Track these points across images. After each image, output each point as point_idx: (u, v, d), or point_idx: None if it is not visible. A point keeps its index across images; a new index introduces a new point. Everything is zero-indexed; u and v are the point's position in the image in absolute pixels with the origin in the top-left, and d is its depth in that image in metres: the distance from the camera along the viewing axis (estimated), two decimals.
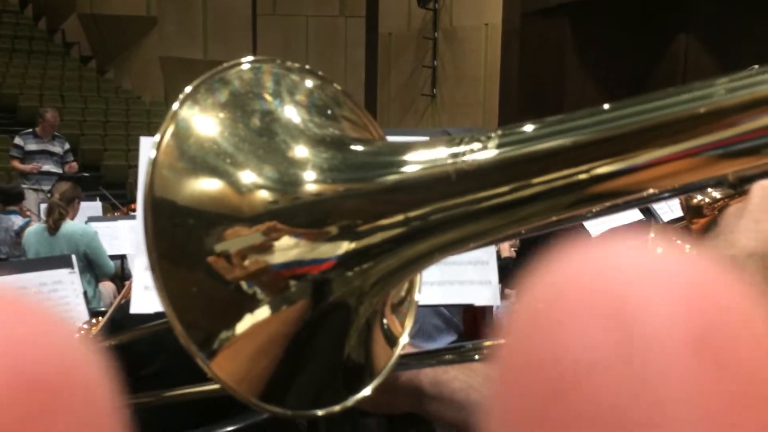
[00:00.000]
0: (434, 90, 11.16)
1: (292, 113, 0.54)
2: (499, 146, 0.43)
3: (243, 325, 0.49)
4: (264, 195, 0.49)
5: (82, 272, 2.88)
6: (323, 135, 0.53)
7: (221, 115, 0.51)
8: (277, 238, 0.49)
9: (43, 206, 5.10)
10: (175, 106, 0.50)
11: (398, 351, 0.61)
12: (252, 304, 0.49)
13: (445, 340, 2.29)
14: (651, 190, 0.42)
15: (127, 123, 13.02)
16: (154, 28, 13.85)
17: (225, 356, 0.48)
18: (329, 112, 0.56)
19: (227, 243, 0.48)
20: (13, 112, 12.37)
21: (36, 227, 4.55)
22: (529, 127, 0.43)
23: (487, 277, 1.35)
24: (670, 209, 3.61)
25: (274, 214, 0.49)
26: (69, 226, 4.39)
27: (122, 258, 4.65)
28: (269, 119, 0.53)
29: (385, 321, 0.61)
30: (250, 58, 0.55)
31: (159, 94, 13.97)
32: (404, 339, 0.62)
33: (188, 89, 0.51)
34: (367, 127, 0.59)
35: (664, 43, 9.46)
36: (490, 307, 2.76)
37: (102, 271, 4.48)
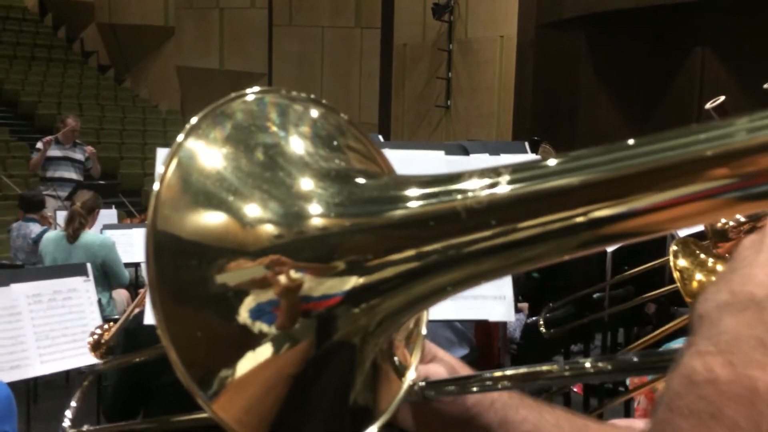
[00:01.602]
0: (448, 101, 11.17)
1: (297, 146, 0.54)
2: (510, 183, 0.42)
3: (246, 365, 0.48)
4: (269, 229, 0.49)
5: (97, 282, 2.90)
6: (329, 168, 0.53)
7: (225, 148, 0.51)
8: (281, 273, 0.48)
9: (60, 213, 5.15)
10: (179, 138, 0.49)
11: (405, 386, 0.60)
12: (255, 343, 0.48)
13: (457, 354, 2.28)
14: (666, 230, 0.41)
15: (143, 131, 13.13)
16: (171, 38, 13.99)
17: (227, 397, 0.47)
18: (334, 142, 0.56)
19: (231, 278, 0.48)
20: (31, 120, 12.51)
21: (54, 234, 4.59)
22: (541, 164, 0.43)
23: (501, 292, 1.34)
24: None
25: (279, 249, 0.48)
26: (88, 236, 4.42)
27: (137, 266, 4.68)
28: (274, 152, 0.53)
29: (394, 356, 0.60)
30: (256, 89, 0.55)
31: (175, 103, 14.09)
32: (411, 374, 0.62)
33: (192, 122, 0.50)
34: (374, 157, 0.58)
35: (680, 57, 9.41)
36: (504, 324, 2.75)
37: (117, 281, 4.51)
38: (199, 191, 0.49)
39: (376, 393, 0.57)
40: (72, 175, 7.14)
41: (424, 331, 0.67)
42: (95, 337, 2.24)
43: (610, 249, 3.24)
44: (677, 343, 2.39)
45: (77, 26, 15.40)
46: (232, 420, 0.47)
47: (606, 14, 9.04)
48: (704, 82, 9.13)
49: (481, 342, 2.37)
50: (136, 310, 2.19)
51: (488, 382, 0.69)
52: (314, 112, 0.57)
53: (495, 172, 0.44)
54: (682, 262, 1.53)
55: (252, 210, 0.49)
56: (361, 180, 0.53)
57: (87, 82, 14.21)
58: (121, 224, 5.69)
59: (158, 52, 14.29)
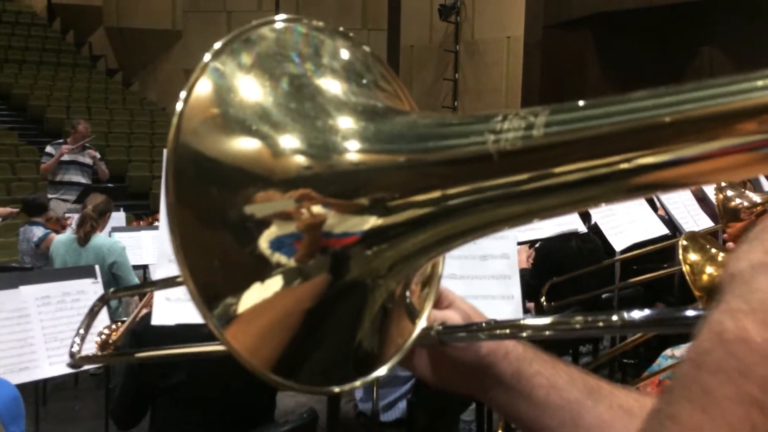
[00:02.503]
0: (455, 102, 11.16)
1: (325, 78, 0.52)
2: (545, 125, 0.41)
3: (260, 296, 0.47)
4: (299, 159, 0.47)
5: (107, 285, 2.91)
6: (358, 103, 0.51)
7: (254, 73, 0.49)
8: (307, 206, 0.47)
9: (76, 216, 5.16)
10: (207, 57, 0.47)
11: (418, 329, 0.59)
12: (271, 274, 0.47)
13: None
14: (704, 182, 0.39)
15: (151, 134, 13.18)
16: (178, 41, 14.04)
17: (239, 326, 0.46)
18: (361, 76, 0.54)
19: (255, 206, 0.46)
20: (40, 124, 12.58)
21: (65, 237, 4.60)
22: (578, 107, 0.41)
23: (509, 291, 1.33)
24: (694, 221, 3.56)
25: (307, 181, 0.47)
26: (99, 239, 4.44)
27: (145, 268, 4.69)
28: (306, 84, 0.51)
29: (408, 299, 0.59)
30: (283, 16, 0.53)
31: None
32: (424, 318, 0.60)
33: (218, 45, 0.48)
34: (398, 93, 0.57)
35: (688, 57, 9.37)
36: None
37: (125, 285, 4.53)
38: (228, 112, 0.47)
39: (388, 334, 0.56)
40: (80, 178, 7.16)
41: (440, 275, 0.65)
42: (103, 337, 2.25)
43: (619, 248, 3.22)
44: (678, 349, 2.37)
45: (85, 30, 15.48)
46: (242, 348, 0.46)
47: (613, 14, 9.02)
48: None
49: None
50: (143, 311, 2.20)
51: (504, 330, 0.66)
52: (342, 45, 0.55)
53: (532, 113, 0.42)
54: (693, 256, 1.50)
55: (282, 138, 0.47)
56: (391, 116, 0.51)
57: (95, 86, 14.28)
58: (129, 227, 5.71)
59: (166, 56, 14.35)
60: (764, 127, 0.35)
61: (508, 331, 0.63)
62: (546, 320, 0.60)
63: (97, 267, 2.56)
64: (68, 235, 4.64)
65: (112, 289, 1.22)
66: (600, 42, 9.62)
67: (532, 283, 3.36)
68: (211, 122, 0.46)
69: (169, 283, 1.02)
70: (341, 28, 0.56)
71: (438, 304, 0.69)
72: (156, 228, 5.27)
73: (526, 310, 3.47)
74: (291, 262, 0.47)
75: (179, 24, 14.08)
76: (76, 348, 1.03)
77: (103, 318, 2.53)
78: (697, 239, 1.44)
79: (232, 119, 0.47)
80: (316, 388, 0.51)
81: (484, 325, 0.66)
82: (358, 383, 0.54)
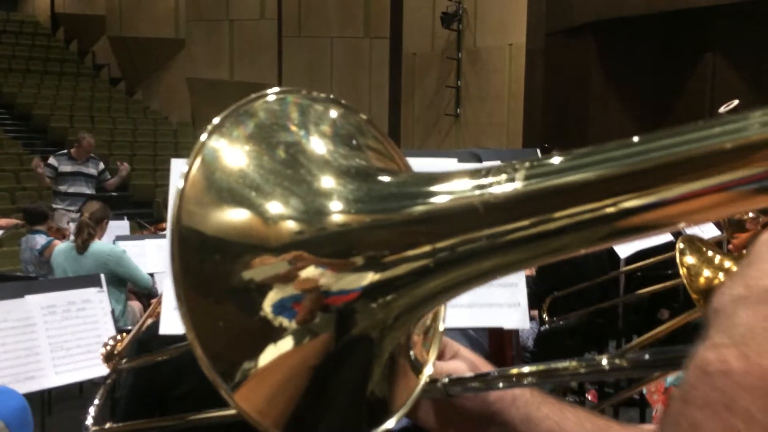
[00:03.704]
0: (458, 110, 11.18)
1: (317, 144, 0.55)
2: (526, 178, 0.43)
3: (267, 357, 0.49)
4: (290, 225, 0.50)
5: (109, 293, 2.92)
6: (349, 166, 0.54)
7: (248, 146, 0.52)
8: (303, 268, 0.49)
9: (73, 226, 5.18)
10: (203, 137, 0.50)
11: (422, 382, 0.60)
12: (277, 336, 0.49)
13: None
14: (682, 224, 0.41)
15: (154, 143, 13.22)
16: (181, 50, 14.11)
17: (249, 388, 0.48)
18: (354, 141, 0.57)
19: (253, 273, 0.49)
20: (44, 133, 12.63)
21: (65, 246, 4.62)
22: (556, 160, 0.43)
23: (515, 299, 1.33)
24: (699, 228, 3.56)
25: (300, 245, 0.49)
26: (97, 245, 4.45)
27: (150, 276, 4.70)
28: (295, 150, 0.54)
29: (411, 352, 0.60)
30: (276, 89, 0.56)
31: (186, 115, 14.19)
32: (429, 369, 0.62)
33: (215, 121, 0.51)
34: (392, 156, 0.59)
35: (691, 63, 9.37)
36: (517, 332, 2.73)
37: (138, 285, 4.53)
38: (222, 188, 0.50)
39: (394, 388, 0.58)
40: (84, 189, 7.18)
41: (441, 327, 0.67)
42: (108, 348, 2.24)
43: (623, 255, 3.22)
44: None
45: (89, 40, 15.56)
46: (253, 410, 0.48)
47: (616, 21, 9.03)
48: (715, 89, 9.08)
49: (494, 350, 2.36)
50: (149, 321, 2.20)
51: (511, 379, 0.68)
52: (334, 112, 0.58)
53: (511, 167, 0.44)
54: (689, 259, 1.50)
55: (273, 206, 0.50)
56: (380, 177, 0.54)
57: (98, 95, 14.34)
58: (133, 235, 5.72)
59: (169, 65, 14.41)
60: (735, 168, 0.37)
61: (514, 380, 0.66)
62: (551, 367, 0.64)
63: (102, 276, 2.57)
64: (67, 243, 4.66)
65: (124, 360, 1.25)
66: (602, 49, 9.63)
67: (536, 291, 3.36)
68: (208, 197, 0.49)
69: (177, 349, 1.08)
70: (333, 96, 0.59)
71: (442, 356, 0.71)
72: (161, 237, 5.28)
73: (531, 318, 3.48)
74: (293, 324, 0.49)
75: (182, 32, 14.14)
76: (90, 421, 1.07)
77: (109, 327, 2.54)
78: (693, 242, 1.44)
79: (228, 192, 0.50)
80: None
81: (491, 375, 0.69)
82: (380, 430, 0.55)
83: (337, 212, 0.50)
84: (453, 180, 0.48)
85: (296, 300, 0.49)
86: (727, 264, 1.31)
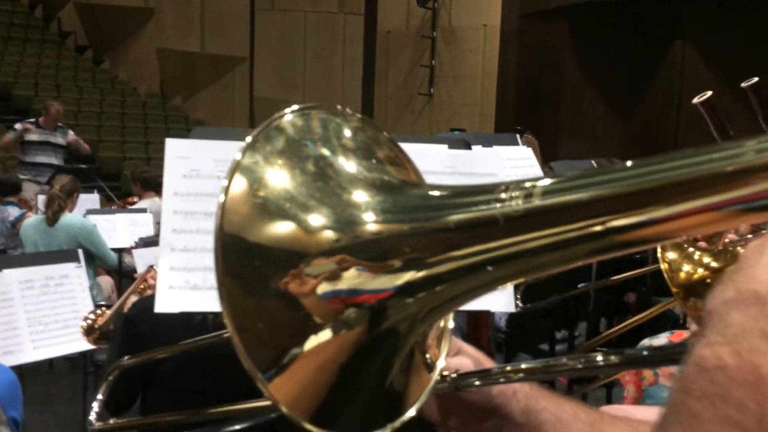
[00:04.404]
0: (432, 89, 11.18)
1: (342, 157, 0.59)
2: (542, 194, 0.48)
3: (300, 350, 0.53)
4: (328, 234, 0.54)
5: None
6: (374, 178, 0.58)
7: (279, 161, 0.57)
8: (340, 271, 0.54)
9: (41, 198, 5.10)
10: (238, 155, 0.55)
11: (435, 375, 0.65)
12: (310, 333, 0.53)
13: None
14: (679, 237, 0.46)
15: (122, 114, 12.97)
16: (151, 19, 13.80)
17: (282, 379, 0.52)
18: (373, 152, 0.62)
19: (292, 274, 0.53)
20: (7, 101, 12.30)
21: (34, 219, 4.54)
22: (571, 178, 0.48)
23: None
24: None
25: (338, 250, 0.54)
26: (68, 218, 4.39)
27: (120, 251, 4.65)
28: (323, 164, 0.58)
29: (426, 350, 0.64)
30: (296, 107, 0.61)
31: (155, 87, 13.93)
32: (441, 363, 0.66)
33: (248, 139, 0.56)
34: (405, 165, 0.64)
35: (662, 49, 9.51)
36: (491, 313, 2.80)
37: (105, 262, 4.49)
38: (260, 200, 0.55)
39: (410, 382, 0.61)
40: (52, 159, 7.01)
41: (451, 325, 0.71)
42: (89, 322, 2.25)
43: None
44: (656, 339, 2.46)
45: (54, 6, 15.11)
46: (285, 400, 0.52)
47: (590, 5, 9.11)
48: (684, 76, 9.25)
49: (471, 331, 2.41)
50: (133, 298, 2.20)
51: (513, 374, 0.74)
52: (352, 124, 0.63)
53: (531, 183, 0.49)
54: (671, 255, 1.59)
55: (310, 217, 0.55)
56: (404, 188, 0.59)
57: (64, 63, 13.97)
58: (104, 209, 5.64)
59: (138, 34, 14.09)
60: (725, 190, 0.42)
61: (517, 374, 0.73)
62: (553, 363, 0.71)
63: (80, 252, 2.55)
64: (37, 216, 4.58)
65: (127, 357, 1.28)
66: (576, 32, 9.71)
67: None
68: (247, 208, 0.55)
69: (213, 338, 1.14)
70: (349, 110, 0.63)
71: (448, 352, 0.75)
72: (131, 212, 5.23)
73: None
74: (328, 321, 0.54)
75: (152, 2, 13.83)
76: (93, 416, 1.11)
77: (87, 303, 2.53)
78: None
79: (266, 205, 0.55)
80: None
81: (495, 371, 0.76)
82: (396, 424, 0.59)
83: (371, 222, 0.55)
84: (473, 194, 0.53)
85: (331, 298, 0.53)
86: (706, 260, 1.38)
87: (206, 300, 1.43)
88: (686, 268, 1.58)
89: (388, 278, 0.53)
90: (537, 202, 0.48)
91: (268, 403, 0.56)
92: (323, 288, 0.53)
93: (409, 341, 0.58)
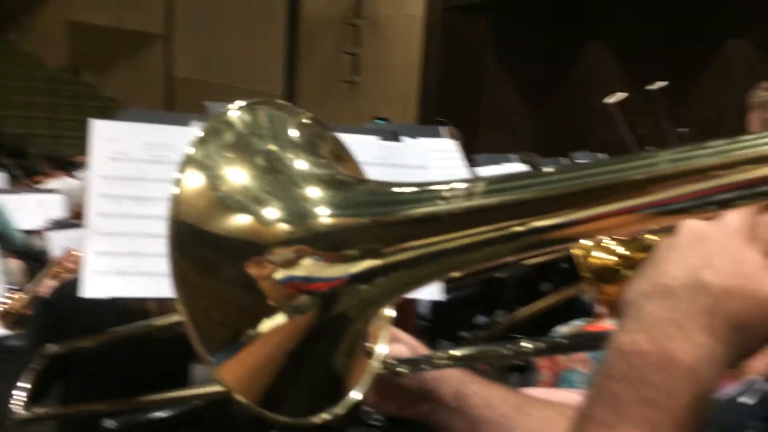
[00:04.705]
0: (355, 77, 11.18)
1: (290, 152, 0.62)
2: (483, 194, 0.52)
3: (252, 334, 0.56)
4: (280, 226, 0.57)
5: None
6: (321, 174, 0.62)
7: (230, 155, 0.59)
8: (298, 258, 0.56)
9: None
10: (189, 149, 0.58)
11: (376, 364, 0.69)
12: (263, 314, 0.56)
13: None
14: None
15: (28, 88, 12.28)
16: None
17: (232, 363, 0.55)
18: (318, 147, 0.65)
19: (245, 262, 0.56)
20: None
21: None
22: (511, 178, 0.54)
23: None
24: None
25: (293, 241, 0.57)
26: None
27: (29, 233, 4.44)
28: (272, 158, 0.61)
29: (367, 338, 0.68)
30: (242, 102, 0.63)
31: (65, 61, 13.24)
32: (382, 349, 0.70)
33: (198, 133, 0.59)
34: (347, 159, 0.68)
35: (576, 48, 9.89)
36: (416, 301, 2.86)
37: (14, 242, 4.27)
38: (212, 193, 0.57)
39: (353, 368, 0.64)
40: None
41: (392, 313, 0.74)
42: (5, 306, 2.15)
43: None
44: (567, 327, 2.60)
45: None
46: (234, 384, 0.55)
47: (510, 2, 9.34)
48: (596, 74, 9.65)
49: (399, 320, 2.47)
50: (48, 282, 2.12)
51: (447, 360, 0.79)
52: (299, 121, 0.65)
53: (472, 183, 0.54)
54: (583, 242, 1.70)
55: (261, 209, 0.57)
56: (352, 184, 0.62)
57: None
58: (13, 189, 5.36)
59: (45, 3, 13.34)
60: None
61: (451, 360, 0.78)
62: (482, 349, 0.77)
63: None
64: None
65: (54, 345, 1.24)
66: (497, 27, 9.95)
67: None
68: (201, 200, 0.57)
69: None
70: (294, 106, 0.66)
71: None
72: (41, 191, 4.98)
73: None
74: (281, 305, 0.56)
75: None
76: (19, 405, 1.08)
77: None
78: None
79: (217, 197, 0.57)
80: (296, 420, 0.60)
81: (430, 356, 0.81)
82: (327, 415, 0.62)
83: (322, 215, 0.58)
84: (419, 191, 0.57)
85: (287, 283, 0.56)
86: (614, 247, 1.47)
87: (134, 285, 1.41)
88: (596, 254, 1.68)
89: (340, 267, 0.56)
90: (477, 201, 0.52)
91: (197, 391, 0.58)
92: (277, 275, 0.56)
93: (354, 328, 0.61)
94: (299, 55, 11.78)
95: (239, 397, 0.55)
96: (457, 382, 0.85)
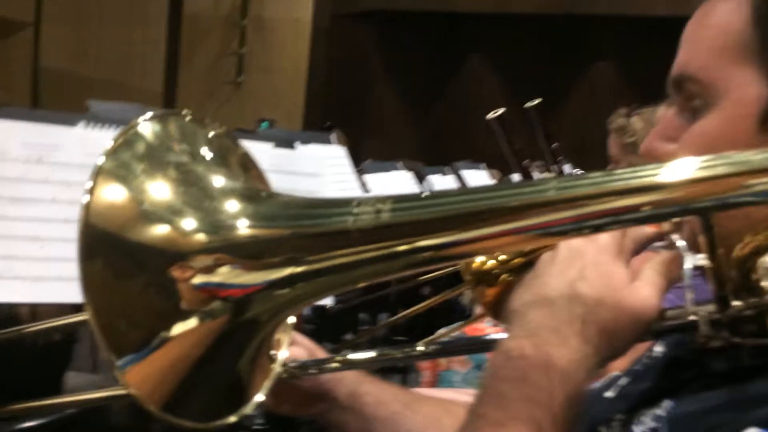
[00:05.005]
0: (240, 78, 10.99)
1: (202, 164, 0.64)
2: (390, 211, 0.57)
3: (162, 338, 0.57)
4: (194, 236, 0.59)
5: None
6: (233, 186, 0.64)
7: (141, 166, 0.61)
8: (214, 265, 0.59)
9: None
10: (101, 159, 0.59)
11: (278, 367, 0.72)
12: (172, 321, 0.58)
13: None
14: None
15: None
16: None
17: (139, 369, 0.57)
18: (228, 159, 0.67)
19: (161, 269, 0.58)
20: None
21: None
22: (417, 198, 0.59)
23: None
24: None
25: (208, 250, 0.59)
26: None
27: None
28: (184, 170, 0.63)
29: (270, 341, 0.70)
30: (152, 113, 0.64)
31: None
32: (283, 353, 0.73)
33: (109, 145, 0.60)
34: (254, 170, 0.70)
35: (459, 61, 10.26)
36: None
37: None
38: (123, 203, 0.59)
39: (256, 373, 0.67)
40: None
41: (292, 319, 0.78)
42: None
43: None
44: (448, 328, 2.72)
45: None
46: (138, 389, 0.56)
47: (397, 13, 9.56)
48: (477, 86, 10.06)
49: None
50: None
51: (343, 363, 0.84)
52: (209, 132, 0.68)
53: (379, 202, 0.58)
54: None
55: (174, 219, 0.59)
56: (264, 197, 0.65)
57: None
58: None
59: None
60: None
61: (346, 363, 0.83)
62: (374, 354, 0.81)
63: None
64: None
65: None
66: (383, 37, 10.13)
67: None
68: (109, 209, 0.58)
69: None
70: (204, 118, 0.68)
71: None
72: None
73: None
74: (193, 310, 0.58)
75: None
76: None
77: None
78: None
79: (128, 206, 0.59)
80: (200, 425, 0.62)
81: (327, 359, 0.85)
82: (232, 418, 0.64)
83: (236, 227, 0.61)
84: (329, 207, 0.62)
85: (200, 290, 0.58)
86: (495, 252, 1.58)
87: (7, 290, 1.35)
88: (478, 258, 1.79)
89: (257, 275, 0.59)
90: (384, 218, 0.57)
91: (72, 398, 0.59)
92: (194, 281, 0.58)
93: (262, 334, 0.64)
94: (182, 53, 11.42)
95: (143, 402, 0.57)
96: (351, 382, 0.90)
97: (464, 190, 0.58)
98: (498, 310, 0.82)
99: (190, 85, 11.38)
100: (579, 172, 0.55)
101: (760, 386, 0.55)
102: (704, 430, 0.54)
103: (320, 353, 0.91)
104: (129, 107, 2.09)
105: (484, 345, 0.75)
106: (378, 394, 0.91)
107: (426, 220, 0.55)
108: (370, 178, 3.04)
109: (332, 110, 9.56)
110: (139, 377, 0.56)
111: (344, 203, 0.59)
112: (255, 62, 10.90)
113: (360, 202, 0.59)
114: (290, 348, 0.86)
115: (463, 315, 4.20)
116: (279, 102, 10.51)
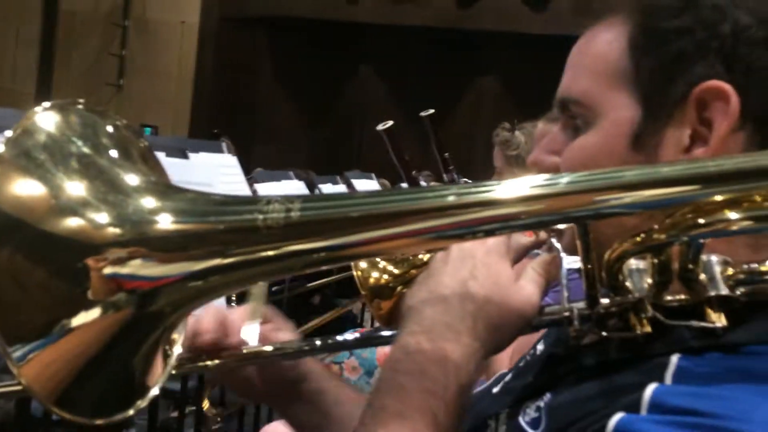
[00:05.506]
0: (121, 81, 10.53)
1: (105, 156, 0.64)
2: (300, 210, 0.59)
3: (59, 332, 0.57)
4: (107, 230, 0.59)
5: None
6: (139, 179, 0.64)
7: (42, 156, 0.60)
8: (126, 258, 0.58)
9: None
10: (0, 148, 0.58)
11: (172, 363, 0.71)
12: (74, 311, 0.57)
13: None
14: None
15: None
16: None
17: (33, 361, 0.56)
18: (130, 151, 0.66)
19: (68, 258, 0.57)
20: None
21: None
22: (325, 198, 0.62)
23: None
24: None
25: (120, 243, 0.59)
26: None
27: None
28: (86, 162, 0.62)
29: (169, 338, 0.70)
30: (50, 102, 0.63)
31: None
32: (178, 350, 0.73)
33: (8, 134, 0.59)
34: (155, 163, 0.70)
35: (350, 71, 10.35)
36: None
37: None
38: (23, 192, 0.58)
39: (151, 368, 0.67)
40: None
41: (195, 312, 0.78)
42: None
43: None
44: (347, 334, 2.78)
45: None
46: (34, 383, 0.56)
47: (286, 19, 9.50)
48: (367, 96, 10.18)
49: None
50: None
51: (239, 359, 0.84)
52: (110, 123, 0.67)
53: (288, 201, 0.60)
54: (362, 264, 1.86)
55: (85, 210, 0.59)
56: (170, 192, 0.64)
57: None
58: None
59: None
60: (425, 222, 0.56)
61: (239, 359, 0.82)
62: (270, 348, 0.82)
63: None
64: None
65: None
66: (274, 42, 10.03)
67: None
68: (10, 197, 0.57)
69: None
70: (105, 109, 0.68)
71: (269, 327, 0.88)
72: None
73: None
74: (95, 302, 0.58)
75: None
76: None
77: None
78: None
79: (27, 195, 0.58)
80: (96, 418, 0.61)
81: (229, 356, 0.82)
82: (130, 412, 0.64)
83: (154, 222, 0.60)
84: (239, 204, 0.62)
85: (109, 281, 0.58)
86: (389, 267, 1.62)
87: None
88: (374, 274, 1.85)
89: (162, 268, 0.59)
90: (294, 216, 0.58)
91: None
92: (105, 270, 0.57)
93: (161, 328, 0.63)
94: (58, 53, 10.79)
95: (38, 398, 0.56)
96: (316, 379, 0.91)
97: (371, 192, 0.61)
98: (392, 321, 0.86)
99: (66, 86, 10.76)
100: (468, 182, 0.60)
101: (626, 377, 0.60)
102: (579, 417, 0.60)
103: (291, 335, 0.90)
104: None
105: (377, 339, 0.79)
106: (332, 388, 0.92)
107: (334, 219, 0.58)
108: (261, 187, 3.02)
109: (220, 117, 9.36)
110: (33, 371, 0.55)
111: (254, 201, 0.60)
112: (137, 65, 10.48)
113: (270, 200, 0.60)
114: (281, 333, 0.87)
115: (355, 323, 4.25)
116: (164, 107, 10.16)
